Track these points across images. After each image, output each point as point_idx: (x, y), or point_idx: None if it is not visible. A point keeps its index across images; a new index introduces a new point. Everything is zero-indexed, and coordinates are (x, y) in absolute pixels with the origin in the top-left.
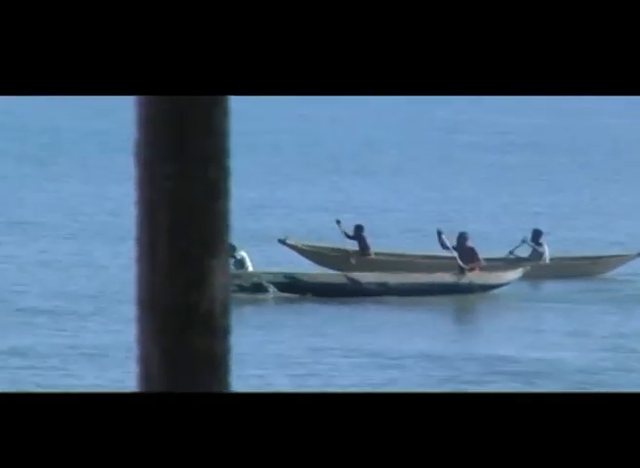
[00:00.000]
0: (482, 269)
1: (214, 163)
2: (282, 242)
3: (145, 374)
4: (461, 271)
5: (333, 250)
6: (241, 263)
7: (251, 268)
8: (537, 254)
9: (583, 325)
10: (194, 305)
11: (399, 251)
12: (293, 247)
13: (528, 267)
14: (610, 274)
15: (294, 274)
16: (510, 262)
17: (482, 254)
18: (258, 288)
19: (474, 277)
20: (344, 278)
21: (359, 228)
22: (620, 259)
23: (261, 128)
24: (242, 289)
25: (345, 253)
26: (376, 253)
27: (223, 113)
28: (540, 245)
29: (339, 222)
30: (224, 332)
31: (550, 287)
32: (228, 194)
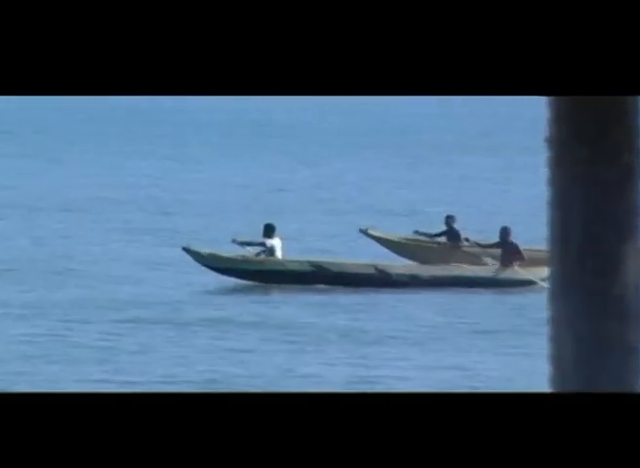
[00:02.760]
0: (522, 265)
1: (627, 148)
2: (364, 232)
3: (558, 358)
4: (503, 266)
5: (415, 241)
6: (271, 251)
7: (279, 255)
8: None
9: None
10: (606, 290)
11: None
12: (375, 238)
13: None
14: None
15: (320, 263)
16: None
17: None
18: (289, 276)
19: (513, 272)
20: (373, 269)
21: (450, 218)
22: None
23: None
24: (268, 277)
25: (433, 245)
26: (467, 245)
27: (635, 100)
28: None
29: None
30: (637, 319)
31: None
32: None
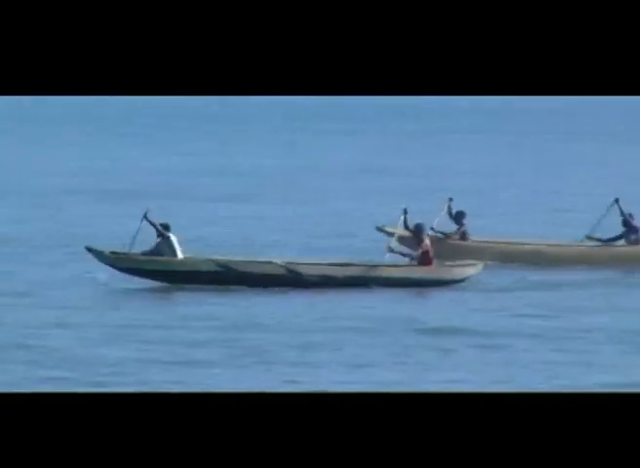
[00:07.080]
0: (438, 264)
1: None
2: (380, 229)
3: None
4: (414, 265)
5: (431, 236)
6: (169, 244)
7: (180, 254)
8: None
9: None
10: None
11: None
12: (389, 233)
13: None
14: None
15: (227, 262)
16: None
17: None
18: (196, 276)
19: (428, 272)
20: (283, 269)
21: (460, 214)
22: None
23: None
24: (174, 277)
25: (441, 240)
26: (473, 240)
27: None
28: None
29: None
30: None
31: None
32: None
